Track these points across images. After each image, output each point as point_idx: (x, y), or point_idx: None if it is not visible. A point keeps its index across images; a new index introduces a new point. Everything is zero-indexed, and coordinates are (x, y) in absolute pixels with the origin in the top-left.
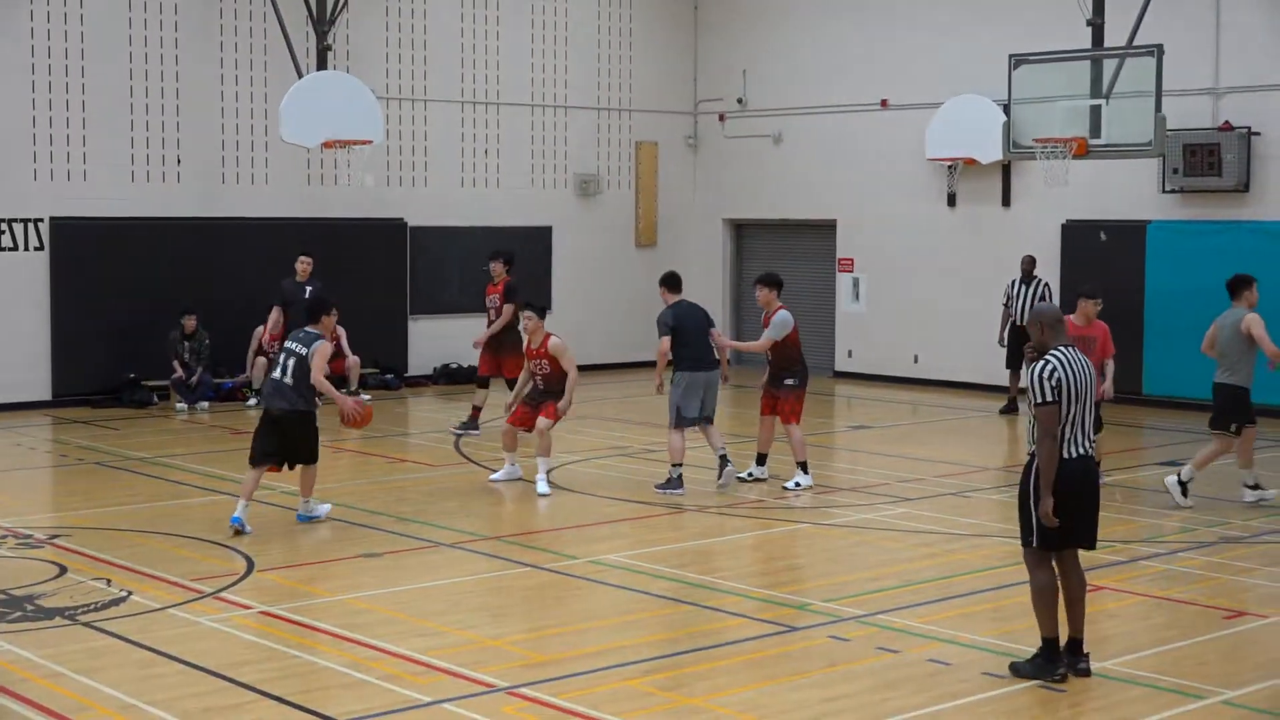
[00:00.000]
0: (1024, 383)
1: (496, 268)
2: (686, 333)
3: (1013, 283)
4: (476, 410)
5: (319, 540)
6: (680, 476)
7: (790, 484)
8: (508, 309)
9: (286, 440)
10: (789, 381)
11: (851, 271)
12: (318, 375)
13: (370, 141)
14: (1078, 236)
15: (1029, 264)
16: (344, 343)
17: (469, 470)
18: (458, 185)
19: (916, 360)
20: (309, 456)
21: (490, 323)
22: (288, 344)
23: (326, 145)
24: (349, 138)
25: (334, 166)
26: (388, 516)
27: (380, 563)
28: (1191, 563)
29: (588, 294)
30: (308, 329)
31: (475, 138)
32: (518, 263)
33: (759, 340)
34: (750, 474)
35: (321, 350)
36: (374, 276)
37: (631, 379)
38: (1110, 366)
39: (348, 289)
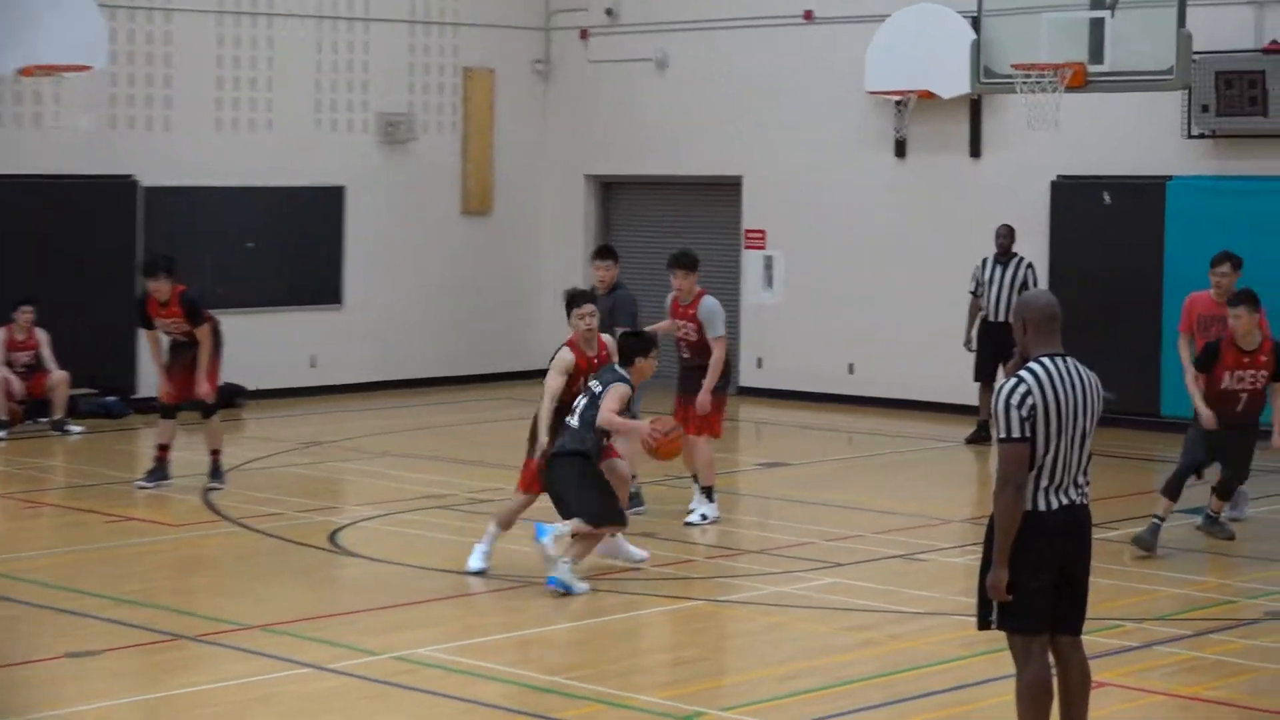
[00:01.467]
0: None
1: (159, 285)
2: None
3: (984, 263)
4: (163, 450)
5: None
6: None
7: (693, 516)
8: (201, 332)
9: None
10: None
11: (762, 248)
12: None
13: (88, 68)
14: (1072, 198)
15: (1007, 237)
16: (45, 351)
17: (227, 530)
18: (211, 129)
19: (852, 371)
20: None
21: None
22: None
23: (24, 73)
24: (55, 62)
25: (34, 103)
26: (105, 599)
27: (94, 665)
28: (1227, 647)
29: (396, 281)
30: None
31: (237, 62)
32: (294, 236)
33: (715, 350)
34: (704, 516)
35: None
36: (90, 258)
37: (458, 399)
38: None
39: (52, 275)
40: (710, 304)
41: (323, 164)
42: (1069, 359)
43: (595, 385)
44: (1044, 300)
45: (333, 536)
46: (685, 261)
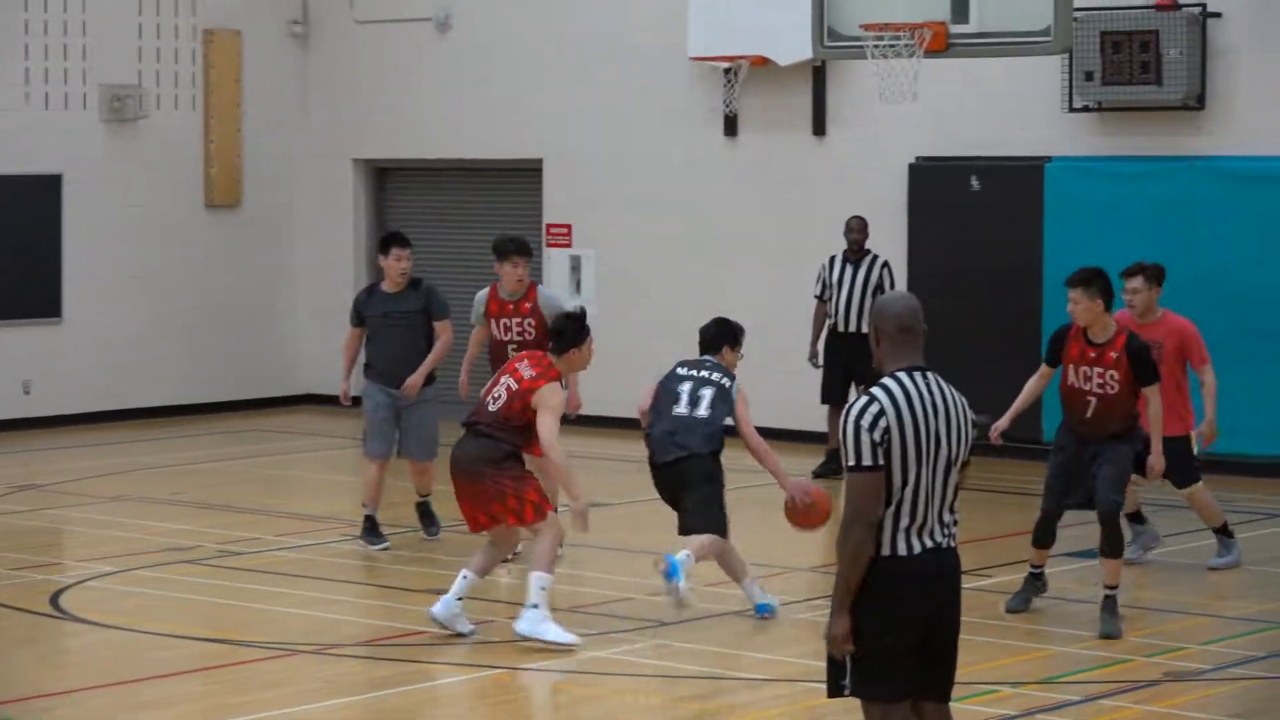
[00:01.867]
0: None
1: None
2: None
3: (831, 262)
4: None
5: None
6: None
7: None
8: None
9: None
10: None
11: (568, 246)
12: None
13: None
14: (934, 184)
15: (859, 232)
16: None
17: None
18: None
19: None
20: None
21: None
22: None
23: None
24: None
25: None
26: None
27: None
28: (1121, 714)
29: (126, 290)
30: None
31: None
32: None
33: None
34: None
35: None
36: None
37: (203, 432)
38: (1209, 384)
39: None
40: (550, 293)
41: (34, 148)
42: (930, 374)
43: (698, 373)
44: (900, 305)
45: (55, 599)
46: (520, 248)
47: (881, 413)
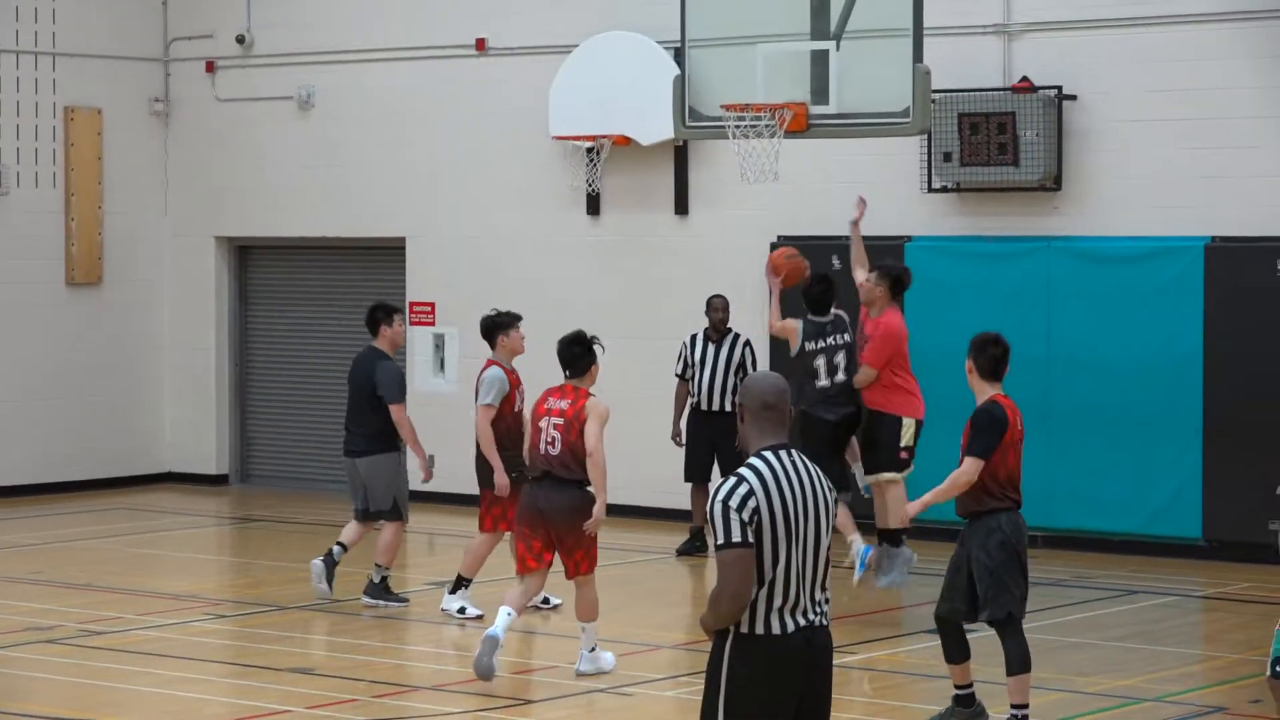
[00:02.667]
0: None
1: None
2: None
3: (692, 340)
4: None
5: None
6: None
7: (450, 604)
8: None
9: None
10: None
11: (432, 324)
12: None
13: None
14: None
15: (722, 310)
16: None
17: None
18: None
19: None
20: None
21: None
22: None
23: None
24: None
25: None
26: None
27: None
28: None
29: None
30: None
31: None
32: None
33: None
34: (462, 610)
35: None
36: None
37: (62, 510)
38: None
39: None
40: (492, 374)
41: None
42: (795, 452)
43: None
44: (767, 383)
45: None
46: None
47: (750, 493)
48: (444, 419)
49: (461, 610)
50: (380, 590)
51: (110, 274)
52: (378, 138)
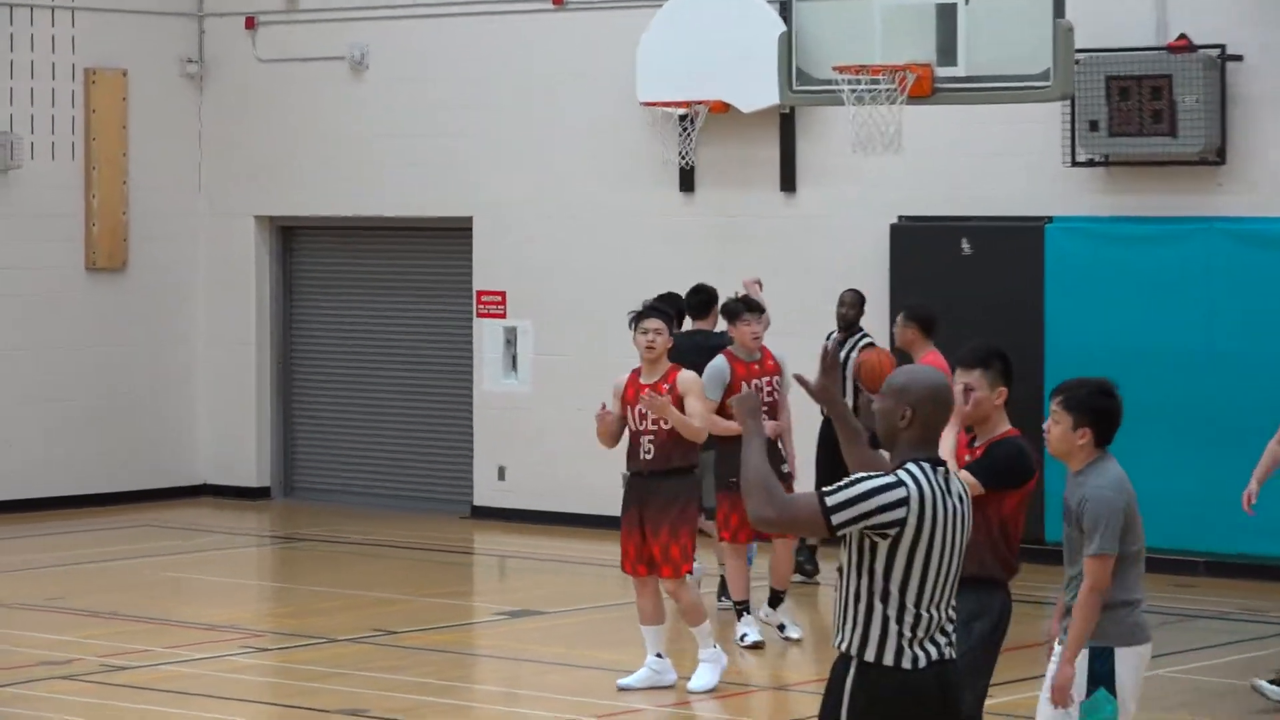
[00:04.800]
0: None
1: None
2: None
3: (829, 340)
4: None
5: None
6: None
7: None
8: None
9: None
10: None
11: (502, 317)
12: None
13: None
14: (919, 247)
15: (853, 307)
16: None
17: None
18: None
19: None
20: None
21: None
22: None
23: None
24: None
25: None
26: None
27: None
28: None
29: None
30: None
31: None
32: None
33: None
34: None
35: None
36: None
37: (84, 528)
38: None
39: None
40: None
41: None
42: (939, 467)
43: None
44: (941, 384)
45: None
46: (750, 306)
47: (903, 502)
48: (517, 422)
49: (781, 627)
50: None
51: (136, 259)
52: (441, 104)
